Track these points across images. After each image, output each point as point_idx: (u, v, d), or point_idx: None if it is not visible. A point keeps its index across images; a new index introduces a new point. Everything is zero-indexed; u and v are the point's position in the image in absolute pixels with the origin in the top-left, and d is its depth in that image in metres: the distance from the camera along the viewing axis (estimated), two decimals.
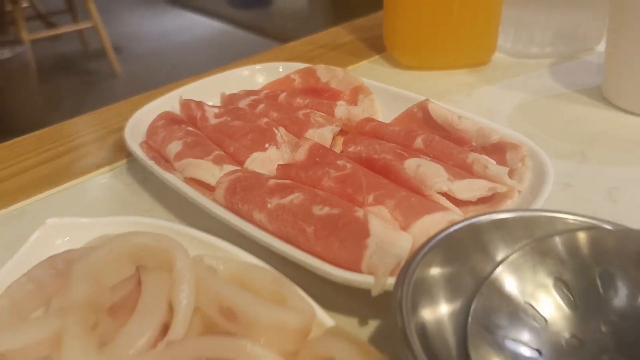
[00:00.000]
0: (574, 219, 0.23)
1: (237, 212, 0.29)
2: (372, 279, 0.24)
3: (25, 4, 2.71)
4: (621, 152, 0.38)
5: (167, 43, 3.16)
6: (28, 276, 0.24)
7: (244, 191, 0.30)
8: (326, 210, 0.28)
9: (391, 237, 0.26)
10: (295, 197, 0.29)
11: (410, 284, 0.21)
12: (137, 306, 0.23)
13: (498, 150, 0.34)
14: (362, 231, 0.26)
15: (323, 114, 0.39)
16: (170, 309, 0.23)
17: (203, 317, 0.23)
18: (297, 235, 0.27)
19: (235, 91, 0.43)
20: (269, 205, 0.29)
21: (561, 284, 0.22)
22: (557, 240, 0.23)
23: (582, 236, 0.23)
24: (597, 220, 0.23)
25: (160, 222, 0.28)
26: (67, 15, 2.92)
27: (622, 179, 0.35)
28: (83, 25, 2.74)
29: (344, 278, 0.25)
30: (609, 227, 0.22)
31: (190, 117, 0.39)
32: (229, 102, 0.41)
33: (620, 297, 0.21)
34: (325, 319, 0.23)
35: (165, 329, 0.22)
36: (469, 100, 0.46)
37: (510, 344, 0.21)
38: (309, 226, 0.27)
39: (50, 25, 2.96)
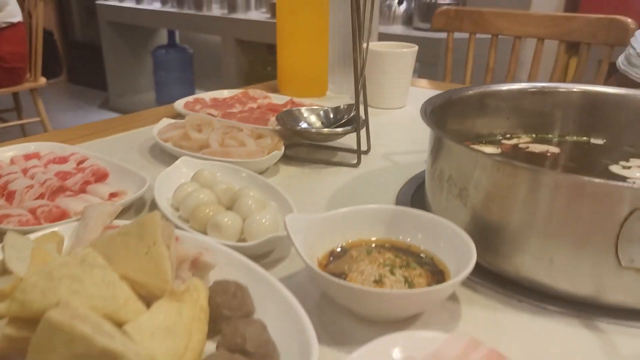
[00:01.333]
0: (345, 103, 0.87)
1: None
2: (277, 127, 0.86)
3: None
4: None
5: None
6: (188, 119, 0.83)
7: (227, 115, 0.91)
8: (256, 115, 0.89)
9: None
10: (248, 112, 0.90)
11: (284, 116, 0.82)
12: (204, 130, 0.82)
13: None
14: (266, 118, 0.88)
15: (254, 102, 1.01)
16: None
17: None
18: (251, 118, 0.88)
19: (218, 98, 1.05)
20: (238, 116, 0.90)
21: (321, 121, 0.85)
22: (327, 109, 0.86)
23: (336, 108, 0.86)
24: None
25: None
26: (12, 112, 3.36)
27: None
28: (31, 119, 3.19)
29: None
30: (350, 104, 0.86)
31: (196, 103, 1.00)
32: (216, 100, 1.03)
33: (333, 118, 0.85)
34: None
35: None
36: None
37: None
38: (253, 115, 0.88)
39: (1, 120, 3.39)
